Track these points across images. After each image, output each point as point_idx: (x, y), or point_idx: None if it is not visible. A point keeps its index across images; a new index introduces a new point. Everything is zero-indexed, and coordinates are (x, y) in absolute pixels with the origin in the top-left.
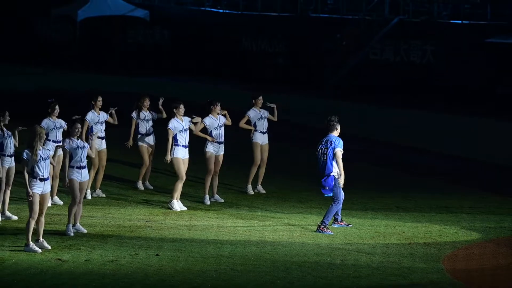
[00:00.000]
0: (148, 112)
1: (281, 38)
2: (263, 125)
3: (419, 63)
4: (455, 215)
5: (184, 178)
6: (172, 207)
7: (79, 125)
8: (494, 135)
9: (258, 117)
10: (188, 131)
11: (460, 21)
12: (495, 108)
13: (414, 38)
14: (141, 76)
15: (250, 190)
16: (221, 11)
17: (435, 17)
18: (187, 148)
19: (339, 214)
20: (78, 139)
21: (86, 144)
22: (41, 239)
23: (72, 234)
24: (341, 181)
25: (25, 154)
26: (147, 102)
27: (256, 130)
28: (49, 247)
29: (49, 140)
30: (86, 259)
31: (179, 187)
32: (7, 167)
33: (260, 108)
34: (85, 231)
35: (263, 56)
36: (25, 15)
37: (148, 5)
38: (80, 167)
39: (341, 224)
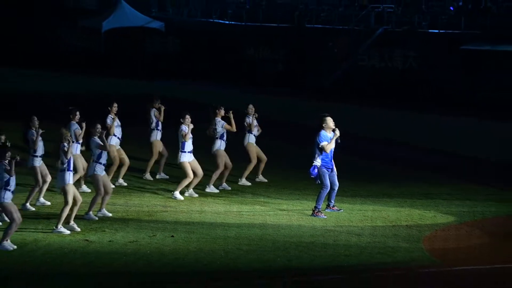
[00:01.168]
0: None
1: (280, 46)
2: (256, 130)
3: (402, 68)
4: (434, 201)
5: (192, 177)
6: (176, 198)
7: (99, 126)
8: (467, 131)
9: (250, 122)
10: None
11: (438, 31)
12: (468, 107)
13: (397, 46)
14: (157, 80)
15: (246, 182)
16: (227, 22)
17: (415, 27)
18: (191, 153)
19: (332, 201)
20: (100, 138)
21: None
22: (72, 222)
23: (96, 218)
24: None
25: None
26: (158, 105)
27: (250, 133)
28: (78, 229)
29: (73, 142)
30: (110, 240)
31: (185, 183)
32: (38, 165)
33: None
34: (110, 215)
35: (265, 62)
36: (55, 27)
37: (163, 17)
38: (104, 164)
39: (333, 209)
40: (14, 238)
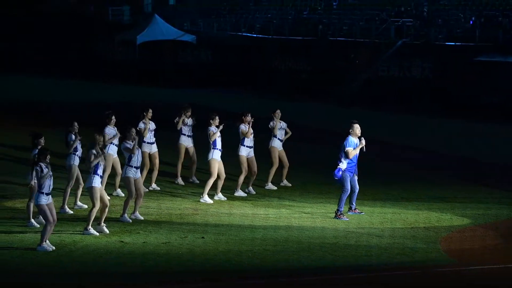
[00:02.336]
0: (189, 119)
1: (304, 57)
2: (281, 134)
3: (419, 78)
4: (450, 204)
5: (215, 176)
6: (205, 201)
7: (134, 130)
8: (480, 136)
9: (278, 127)
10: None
11: (453, 43)
12: (480, 114)
13: (415, 57)
14: (189, 89)
15: (272, 187)
16: (255, 35)
17: (432, 39)
18: (221, 152)
19: (353, 203)
20: (133, 142)
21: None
22: (102, 223)
23: (130, 221)
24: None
25: (91, 155)
26: (189, 112)
27: (275, 136)
28: (108, 231)
29: (113, 144)
30: (143, 241)
31: (210, 183)
32: (76, 164)
33: (280, 120)
34: (142, 218)
35: (290, 72)
36: (93, 41)
37: (195, 31)
38: (137, 167)
39: (354, 211)
40: (53, 240)
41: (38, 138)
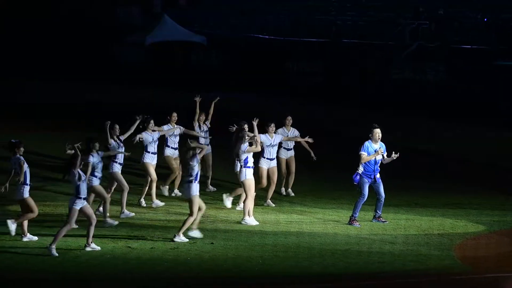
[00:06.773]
0: (204, 125)
1: (318, 60)
2: (287, 143)
3: (434, 81)
4: (465, 210)
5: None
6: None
7: (246, 130)
8: (497, 142)
9: (285, 135)
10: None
11: (469, 46)
12: (497, 119)
13: (430, 60)
14: (200, 92)
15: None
16: (267, 37)
17: (448, 42)
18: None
19: (378, 211)
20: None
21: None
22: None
23: (199, 235)
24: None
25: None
26: (202, 117)
27: (281, 147)
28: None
29: (149, 152)
30: (151, 247)
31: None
32: (117, 171)
33: (290, 128)
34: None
35: (303, 75)
36: (104, 42)
37: (205, 32)
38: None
39: (378, 220)
40: (59, 244)
41: (93, 142)
